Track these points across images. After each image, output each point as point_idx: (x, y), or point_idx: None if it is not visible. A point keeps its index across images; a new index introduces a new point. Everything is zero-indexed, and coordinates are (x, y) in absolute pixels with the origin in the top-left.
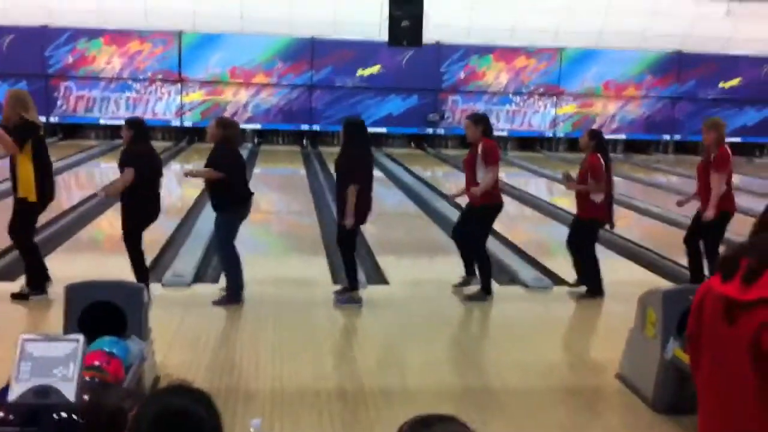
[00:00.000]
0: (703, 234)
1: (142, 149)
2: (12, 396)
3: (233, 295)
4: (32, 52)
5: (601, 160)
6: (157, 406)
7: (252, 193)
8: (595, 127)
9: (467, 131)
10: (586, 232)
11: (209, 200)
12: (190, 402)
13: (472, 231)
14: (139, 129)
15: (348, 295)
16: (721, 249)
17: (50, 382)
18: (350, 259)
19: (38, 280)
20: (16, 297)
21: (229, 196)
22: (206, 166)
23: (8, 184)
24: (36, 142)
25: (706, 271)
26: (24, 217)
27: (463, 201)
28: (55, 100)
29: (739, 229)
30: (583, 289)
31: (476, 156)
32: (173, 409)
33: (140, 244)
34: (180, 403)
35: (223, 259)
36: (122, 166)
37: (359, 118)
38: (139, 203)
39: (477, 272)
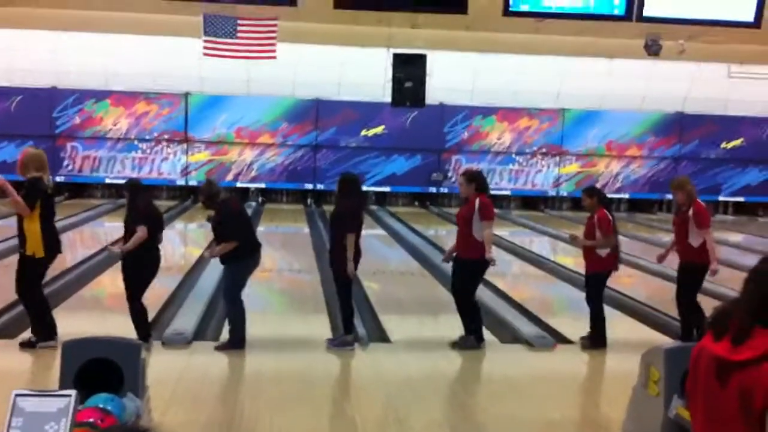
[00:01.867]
0: (680, 285)
1: (145, 207)
2: None
3: (236, 341)
4: (40, 112)
5: (609, 215)
6: None
7: (260, 244)
8: (598, 185)
9: (461, 188)
10: (594, 284)
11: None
12: None
13: (463, 283)
14: (134, 188)
15: (341, 338)
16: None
17: None
18: (348, 305)
19: (47, 332)
20: (25, 345)
21: (238, 248)
22: (214, 230)
23: (6, 244)
24: (44, 201)
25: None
26: (33, 272)
27: None
28: (62, 159)
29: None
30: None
31: (472, 212)
32: None
33: (141, 300)
34: None
35: (229, 309)
36: (133, 224)
37: (353, 173)
38: (144, 258)
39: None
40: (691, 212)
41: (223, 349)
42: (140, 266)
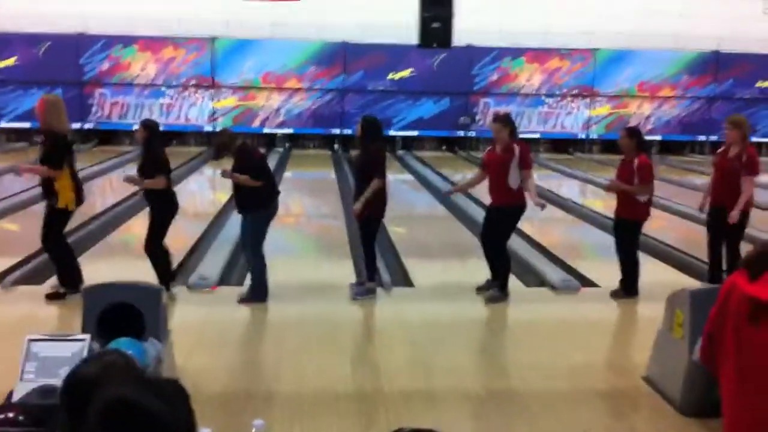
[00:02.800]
0: (725, 233)
1: (160, 153)
2: (16, 396)
3: (259, 294)
4: (68, 59)
5: (650, 160)
6: (106, 394)
7: (279, 192)
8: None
9: (496, 133)
10: (630, 232)
11: (235, 201)
12: (139, 392)
13: (496, 231)
14: (153, 130)
15: (365, 287)
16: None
17: (56, 382)
18: (371, 251)
19: (73, 280)
20: (52, 297)
21: (257, 196)
22: (235, 171)
23: (29, 193)
24: (69, 153)
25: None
26: (62, 224)
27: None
28: (90, 106)
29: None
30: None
31: (510, 159)
32: (118, 399)
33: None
34: (126, 393)
35: (251, 260)
36: (150, 170)
37: (374, 116)
38: (167, 203)
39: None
40: (744, 159)
41: (246, 302)
42: (164, 209)
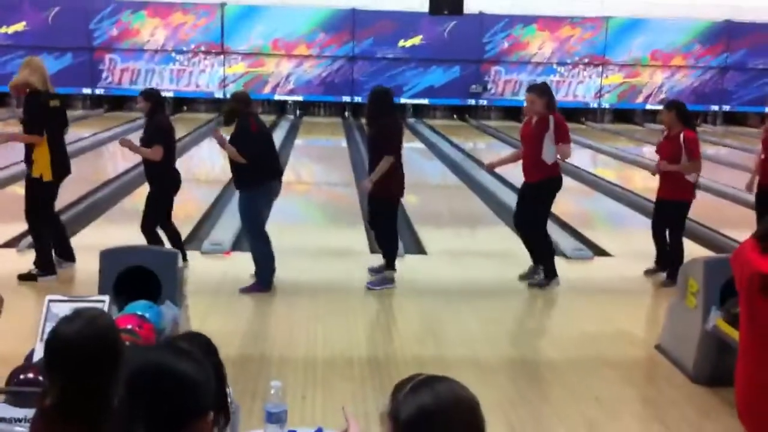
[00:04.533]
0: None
1: (165, 122)
2: (37, 356)
3: (263, 283)
4: (77, 24)
5: (696, 134)
6: (134, 359)
7: (281, 172)
8: (641, 96)
9: (530, 104)
10: (679, 214)
11: (232, 175)
12: (167, 356)
13: (535, 211)
14: (157, 100)
15: (382, 276)
16: None
17: None
18: (390, 236)
19: (48, 263)
20: (24, 278)
21: (255, 172)
22: (232, 143)
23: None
24: (49, 116)
25: None
26: (40, 198)
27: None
28: (100, 72)
29: None
30: (660, 276)
31: (544, 131)
32: (146, 364)
33: (164, 216)
34: (154, 357)
35: (251, 243)
36: (149, 139)
37: (384, 87)
38: (167, 174)
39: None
40: None
41: (248, 292)
42: (162, 185)
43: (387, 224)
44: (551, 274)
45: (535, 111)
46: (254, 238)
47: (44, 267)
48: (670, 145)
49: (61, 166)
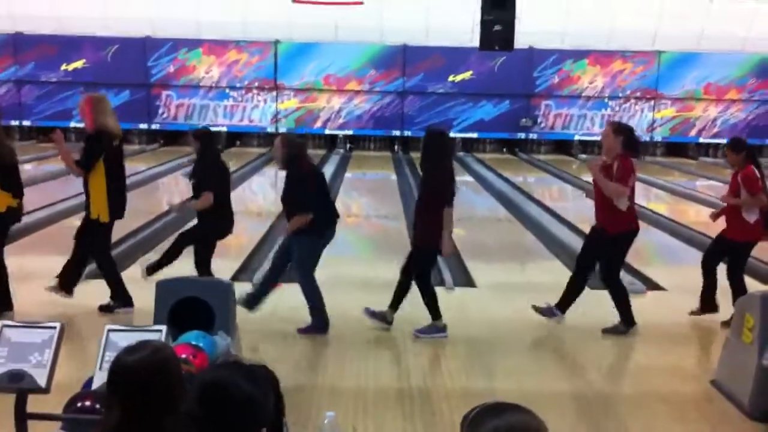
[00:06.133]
0: None
1: (214, 165)
2: (96, 384)
3: (320, 323)
4: (135, 62)
5: (756, 172)
6: (204, 378)
7: (338, 216)
8: (694, 130)
9: (605, 140)
10: (737, 255)
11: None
12: (235, 376)
13: (606, 259)
14: (206, 140)
15: (430, 326)
16: None
17: None
18: (427, 290)
19: (125, 296)
20: (104, 309)
21: (315, 218)
22: (286, 195)
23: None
24: (109, 154)
25: None
26: (97, 238)
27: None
28: (157, 108)
29: None
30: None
31: (611, 174)
32: (217, 382)
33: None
34: (223, 375)
35: (302, 283)
36: (198, 183)
37: (440, 128)
38: (214, 217)
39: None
40: None
41: (308, 333)
42: (210, 225)
43: (420, 277)
44: (629, 322)
45: (607, 145)
46: (305, 279)
47: (121, 299)
48: (734, 183)
49: (119, 209)
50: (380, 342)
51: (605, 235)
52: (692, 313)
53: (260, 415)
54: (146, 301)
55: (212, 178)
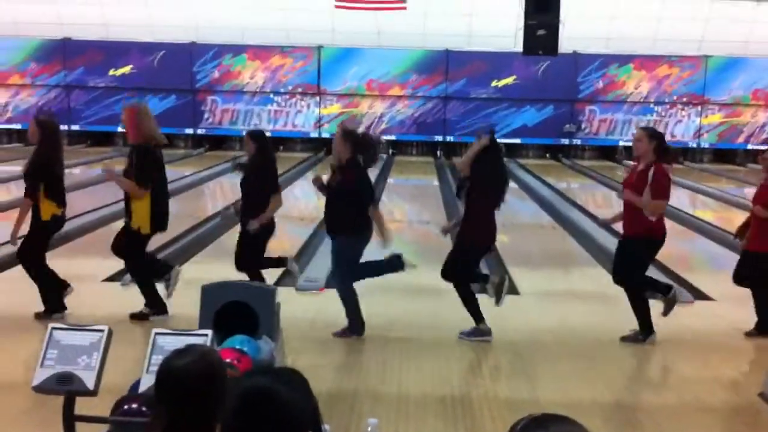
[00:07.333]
0: None
1: (273, 167)
2: (143, 387)
3: (356, 327)
4: (181, 67)
5: None
6: (243, 385)
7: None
8: (742, 136)
9: (637, 145)
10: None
11: (325, 220)
12: (274, 382)
13: (629, 267)
14: (263, 141)
15: (474, 329)
16: None
17: None
18: (466, 294)
19: (159, 303)
20: (136, 317)
21: (351, 217)
22: (338, 187)
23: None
24: (158, 164)
25: None
26: (134, 247)
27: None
28: (202, 113)
29: None
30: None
31: (645, 181)
32: (256, 388)
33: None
34: (264, 383)
35: (340, 287)
36: (246, 179)
37: (489, 129)
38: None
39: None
40: None
41: (343, 336)
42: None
43: (459, 277)
44: (648, 333)
45: (640, 151)
46: (343, 282)
47: (155, 306)
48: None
49: (161, 221)
50: (422, 348)
51: (622, 236)
52: (748, 333)
53: (302, 421)
54: (184, 306)
55: (275, 180)
